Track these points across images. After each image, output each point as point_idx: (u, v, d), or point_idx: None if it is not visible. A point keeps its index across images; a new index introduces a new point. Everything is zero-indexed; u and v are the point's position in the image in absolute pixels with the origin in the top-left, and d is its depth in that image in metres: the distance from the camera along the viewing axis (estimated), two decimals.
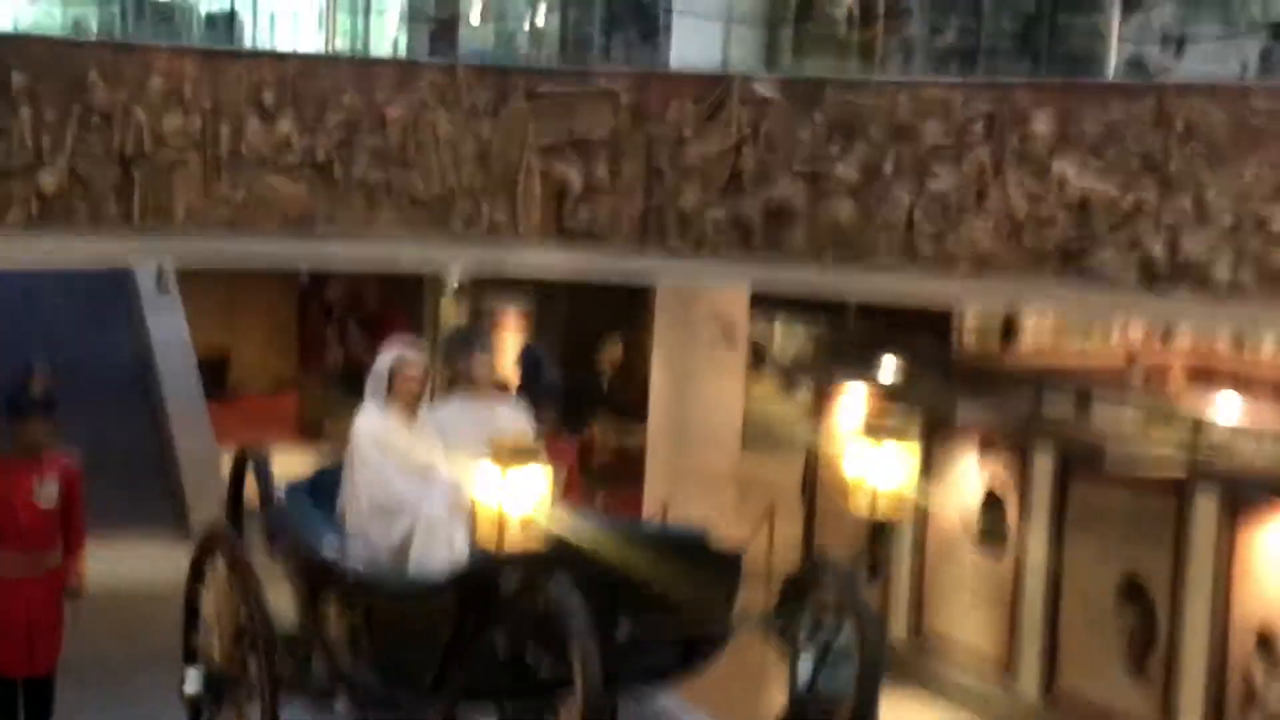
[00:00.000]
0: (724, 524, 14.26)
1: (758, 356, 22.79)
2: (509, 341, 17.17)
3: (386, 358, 7.18)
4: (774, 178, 11.01)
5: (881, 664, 6.21)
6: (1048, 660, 12.05)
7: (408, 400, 7.08)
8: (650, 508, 14.69)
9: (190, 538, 14.55)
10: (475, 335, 7.38)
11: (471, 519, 6.22)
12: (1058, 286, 10.14)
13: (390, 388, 7.07)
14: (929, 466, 11.69)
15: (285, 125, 11.04)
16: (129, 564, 14.45)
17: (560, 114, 11.37)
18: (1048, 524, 12.07)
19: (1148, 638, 11.34)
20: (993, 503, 12.58)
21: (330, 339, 20.81)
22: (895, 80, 10.88)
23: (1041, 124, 10.06)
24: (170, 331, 17.64)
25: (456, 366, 7.17)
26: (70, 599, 8.34)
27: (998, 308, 13.24)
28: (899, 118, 10.59)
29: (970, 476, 12.75)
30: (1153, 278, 9.68)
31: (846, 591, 6.25)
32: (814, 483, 14.67)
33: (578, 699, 5.72)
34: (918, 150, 10.53)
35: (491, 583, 5.95)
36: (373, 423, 7.04)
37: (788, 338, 24.57)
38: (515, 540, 5.80)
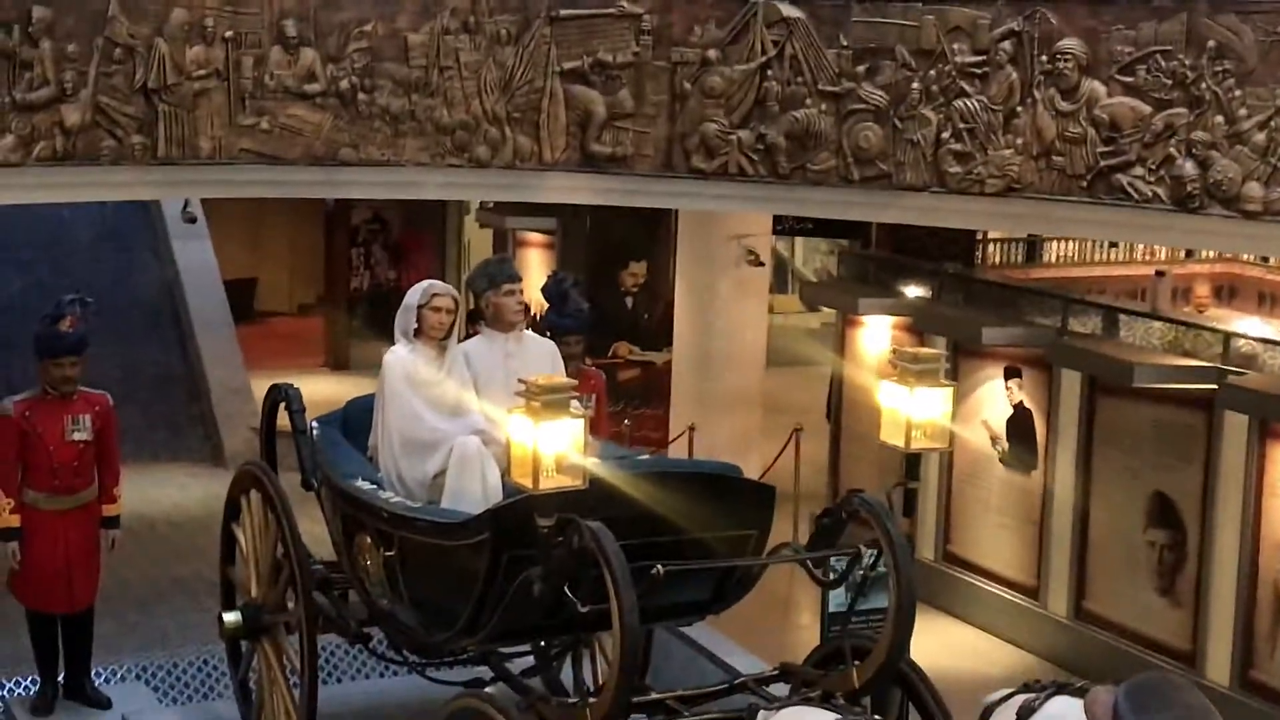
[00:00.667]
0: (750, 444, 14.41)
1: (781, 276, 22.81)
2: (533, 262, 17.20)
3: (415, 292, 7.17)
4: (799, 100, 10.92)
5: (915, 598, 6.23)
6: (1076, 581, 12.06)
7: (437, 334, 7.06)
8: (676, 430, 14.75)
9: (222, 464, 14.76)
10: (503, 268, 7.33)
11: (505, 455, 6.24)
12: (1087, 208, 10.06)
13: (419, 322, 7.06)
14: (955, 387, 11.65)
15: (308, 55, 10.99)
16: (162, 490, 14.62)
17: (583, 39, 11.28)
18: (1076, 443, 12.04)
19: (1177, 556, 11.35)
20: (1020, 423, 12.55)
21: (356, 263, 20.92)
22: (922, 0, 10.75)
23: (1070, 44, 9.95)
24: (198, 262, 17.70)
25: (485, 299, 7.14)
26: (106, 535, 8.40)
27: (1026, 229, 13.15)
28: (926, 39, 10.48)
29: (997, 396, 12.72)
30: (1184, 198, 9.60)
31: (881, 526, 6.24)
32: (839, 404, 14.66)
33: (614, 636, 5.75)
34: (945, 71, 10.43)
35: (526, 520, 5.96)
36: (402, 358, 7.03)
37: (811, 257, 24.56)
38: (549, 478, 5.79)
